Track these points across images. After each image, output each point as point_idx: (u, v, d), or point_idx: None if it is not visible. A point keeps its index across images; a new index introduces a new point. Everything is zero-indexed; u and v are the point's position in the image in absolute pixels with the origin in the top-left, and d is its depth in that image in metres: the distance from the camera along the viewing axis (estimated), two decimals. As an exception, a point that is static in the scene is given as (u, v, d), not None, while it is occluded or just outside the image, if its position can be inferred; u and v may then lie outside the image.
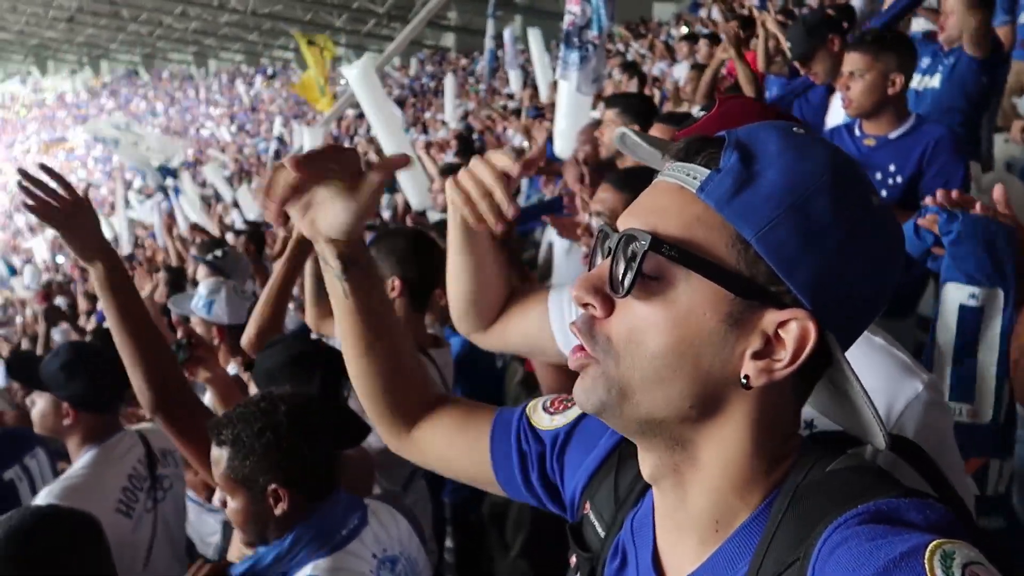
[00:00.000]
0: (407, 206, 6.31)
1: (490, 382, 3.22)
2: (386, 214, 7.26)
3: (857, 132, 2.62)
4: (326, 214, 0.93)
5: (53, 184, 1.76)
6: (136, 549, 2.23)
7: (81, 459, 2.27)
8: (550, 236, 3.80)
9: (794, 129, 0.71)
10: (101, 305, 1.81)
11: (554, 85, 8.76)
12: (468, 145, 8.27)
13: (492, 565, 3.14)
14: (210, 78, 37.17)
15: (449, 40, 28.21)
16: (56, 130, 38.94)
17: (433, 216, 5.65)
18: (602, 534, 0.86)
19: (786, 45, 4.05)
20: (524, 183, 7.36)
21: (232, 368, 2.89)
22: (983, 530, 0.68)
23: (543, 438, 0.98)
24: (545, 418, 0.99)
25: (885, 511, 0.62)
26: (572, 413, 0.98)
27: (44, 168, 1.83)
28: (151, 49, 38.21)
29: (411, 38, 11.31)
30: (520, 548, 3.05)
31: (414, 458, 1.12)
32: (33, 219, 1.83)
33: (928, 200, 1.77)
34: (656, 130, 2.57)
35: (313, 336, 2.66)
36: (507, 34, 13.79)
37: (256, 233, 6.49)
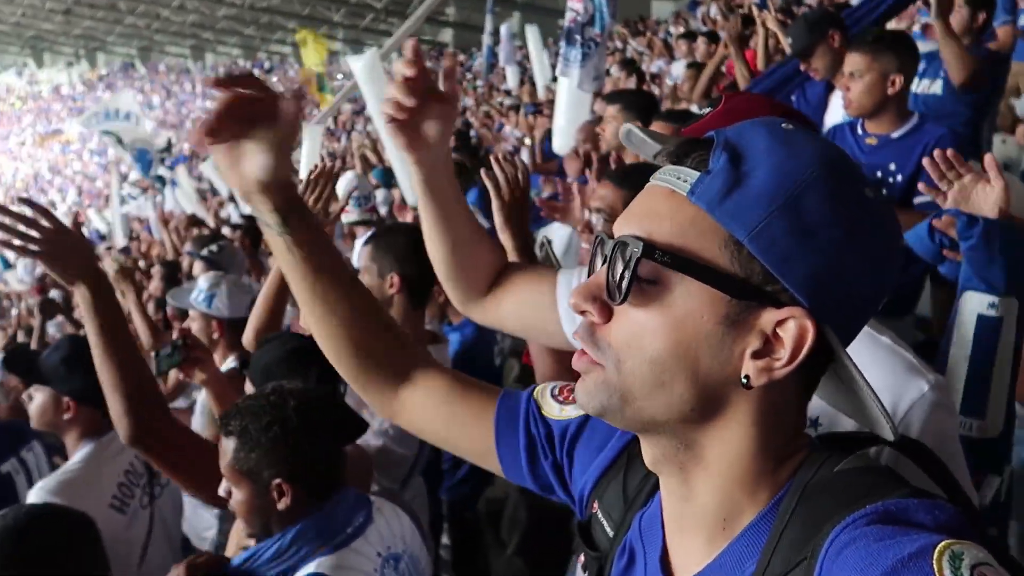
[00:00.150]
0: (403, 201, 6.30)
1: (487, 379, 3.19)
2: (383, 209, 7.25)
3: (859, 131, 2.62)
4: (252, 162, 0.94)
5: (30, 214, 1.72)
6: (131, 545, 2.21)
7: (78, 454, 2.26)
8: (547, 233, 3.79)
9: (783, 125, 0.70)
10: (87, 329, 1.76)
11: (552, 82, 8.75)
12: (466, 141, 8.25)
13: (488, 562, 3.13)
14: (207, 72, 37.09)
15: (447, 36, 28.17)
16: (52, 122, 38.82)
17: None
18: (611, 533, 0.86)
19: (786, 43, 4.05)
20: (522, 180, 7.35)
21: (231, 361, 2.89)
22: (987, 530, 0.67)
23: (552, 426, 0.97)
24: (555, 407, 0.98)
25: (893, 511, 0.62)
26: None
27: (23, 200, 1.82)
28: (148, 42, 38.13)
29: (409, 34, 11.28)
30: (516, 545, 3.05)
31: (406, 423, 1.08)
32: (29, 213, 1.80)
33: (924, 161, 1.74)
34: (656, 127, 2.56)
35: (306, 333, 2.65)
36: (504, 30, 13.77)
37: (252, 227, 6.47)
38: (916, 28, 4.83)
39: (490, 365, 3.24)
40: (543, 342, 1.45)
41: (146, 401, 1.79)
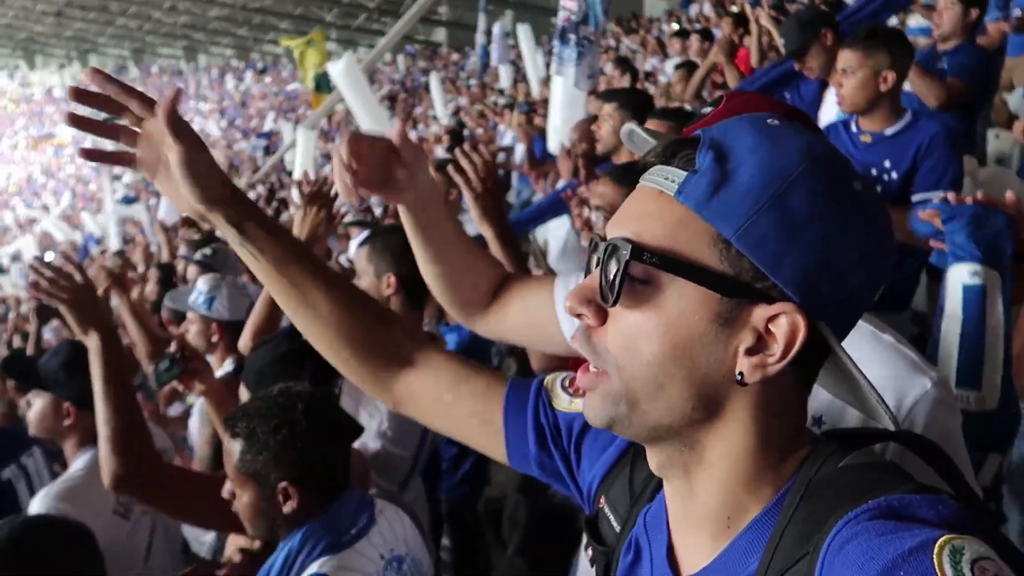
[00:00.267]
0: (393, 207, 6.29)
1: (486, 379, 3.21)
2: (377, 211, 7.23)
3: (854, 128, 2.63)
4: (176, 191, 0.96)
5: (68, 268, 1.90)
6: (135, 550, 2.21)
7: (79, 460, 2.25)
8: (544, 235, 3.79)
9: (768, 121, 0.70)
10: (92, 375, 1.87)
11: (545, 81, 8.74)
12: (459, 140, 8.25)
13: (489, 563, 3.13)
14: (200, 73, 36.98)
15: (440, 35, 28.15)
16: (44, 125, 38.64)
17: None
18: (617, 528, 0.87)
19: (779, 41, 4.06)
20: (515, 180, 7.35)
21: (229, 364, 2.88)
22: (997, 526, 0.68)
23: (561, 418, 0.97)
24: (564, 398, 0.98)
25: (896, 507, 0.62)
26: None
27: (64, 255, 1.94)
28: (140, 44, 38.01)
29: (402, 33, 11.26)
30: (517, 546, 3.05)
31: (411, 410, 1.05)
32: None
33: (937, 199, 1.78)
34: (651, 125, 2.57)
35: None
36: (497, 29, 13.75)
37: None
38: (911, 24, 4.84)
39: (487, 365, 3.25)
40: (548, 350, 1.46)
41: (140, 454, 1.85)
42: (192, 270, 4.23)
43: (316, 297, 1.02)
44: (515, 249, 1.93)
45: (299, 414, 1.54)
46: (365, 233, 3.22)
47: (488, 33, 13.79)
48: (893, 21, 4.99)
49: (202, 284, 3.03)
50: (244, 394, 2.04)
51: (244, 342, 2.62)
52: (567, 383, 0.99)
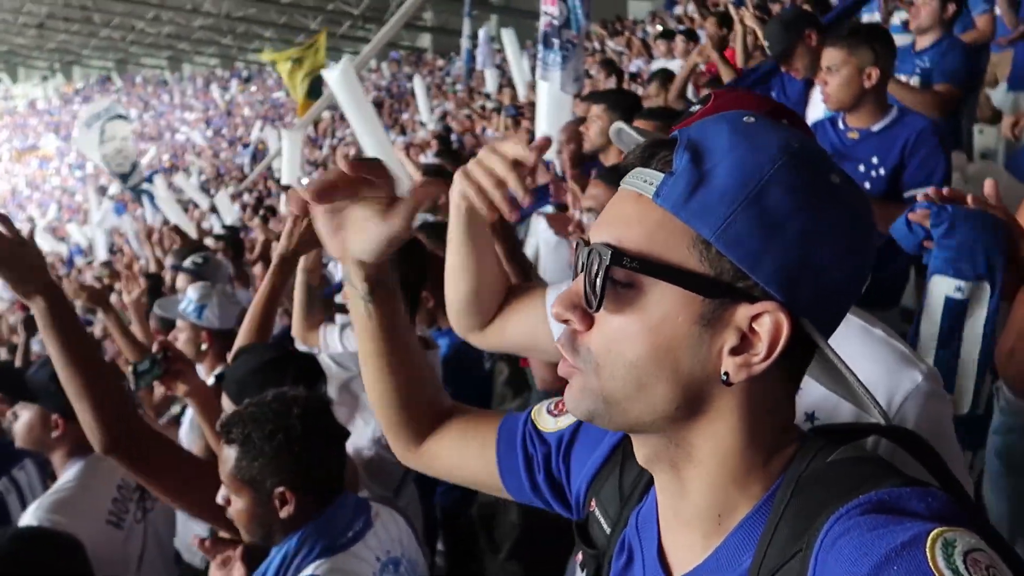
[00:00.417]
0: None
1: (477, 383, 3.21)
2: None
3: (840, 125, 2.64)
4: (358, 236, 0.91)
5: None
6: (127, 560, 2.20)
7: (68, 472, 2.23)
8: (536, 232, 3.79)
9: (745, 119, 0.70)
10: (44, 343, 1.69)
11: (532, 84, 8.74)
12: (447, 145, 8.25)
13: (483, 567, 3.12)
14: (184, 83, 36.87)
15: (425, 41, 28.17)
16: (28, 137, 38.43)
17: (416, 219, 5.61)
18: (608, 531, 0.87)
19: (764, 42, 4.08)
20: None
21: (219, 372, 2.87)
22: (985, 518, 0.68)
23: (548, 440, 0.98)
24: (550, 421, 0.99)
25: (887, 501, 0.62)
26: None
27: None
28: (124, 54, 37.85)
29: (387, 39, 11.26)
30: (510, 550, 3.04)
31: (422, 468, 1.12)
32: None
33: (920, 196, 1.78)
34: (639, 125, 2.57)
35: (301, 348, 2.64)
36: (482, 34, 13.77)
37: (234, 238, 6.44)
38: (895, 21, 4.87)
39: (480, 369, 3.24)
40: (544, 358, 1.46)
41: (116, 409, 1.73)
42: (182, 279, 4.20)
43: (397, 367, 1.05)
44: (522, 266, 1.92)
45: (294, 419, 1.53)
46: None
47: (473, 38, 13.81)
48: (877, 18, 5.02)
49: (192, 292, 3.01)
50: (226, 403, 2.02)
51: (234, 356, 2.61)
52: (553, 407, 1.01)
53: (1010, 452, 1.94)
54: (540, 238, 3.59)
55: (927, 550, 0.56)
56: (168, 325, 3.31)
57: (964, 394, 1.71)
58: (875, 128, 2.56)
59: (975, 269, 1.65)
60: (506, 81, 13.22)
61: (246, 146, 21.15)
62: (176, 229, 6.59)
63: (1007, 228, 1.65)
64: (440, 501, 3.06)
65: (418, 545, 1.74)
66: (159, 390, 3.35)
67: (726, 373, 0.67)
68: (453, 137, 10.13)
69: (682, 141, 0.69)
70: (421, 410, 1.09)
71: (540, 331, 1.36)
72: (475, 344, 1.45)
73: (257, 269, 5.54)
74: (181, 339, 2.98)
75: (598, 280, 0.68)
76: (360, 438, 2.16)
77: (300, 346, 2.71)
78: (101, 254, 13.16)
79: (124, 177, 11.82)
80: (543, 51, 4.52)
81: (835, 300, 0.69)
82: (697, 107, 1.31)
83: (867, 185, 2.53)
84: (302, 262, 2.65)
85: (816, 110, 3.37)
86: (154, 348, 2.20)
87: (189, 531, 2.68)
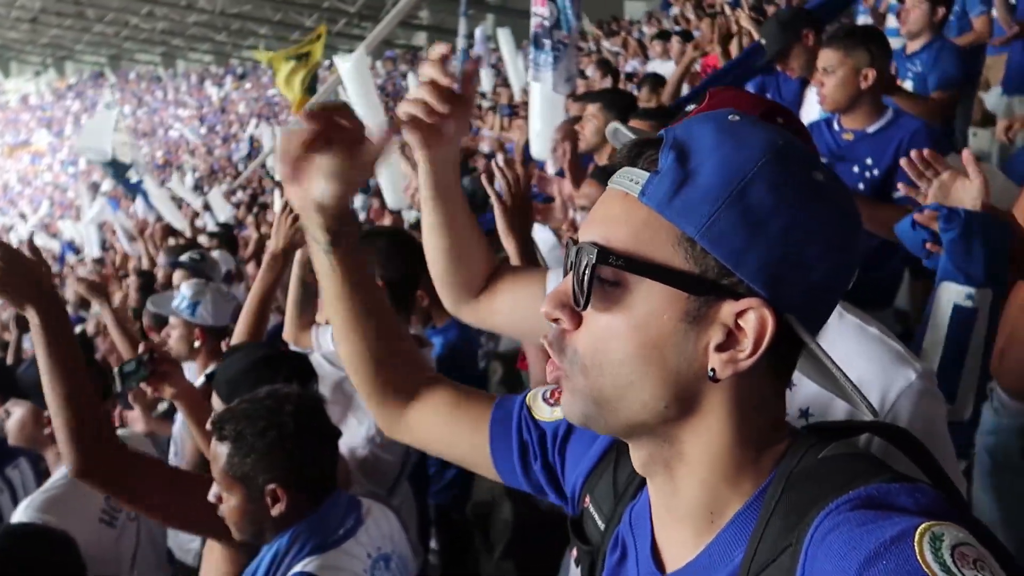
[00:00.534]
0: (381, 206, 6.27)
1: (471, 383, 3.19)
2: (361, 215, 7.21)
3: (836, 127, 2.65)
4: (319, 181, 0.94)
5: None
6: (120, 559, 2.19)
7: (61, 469, 2.22)
8: (533, 232, 3.79)
9: (730, 117, 0.70)
10: (37, 356, 1.67)
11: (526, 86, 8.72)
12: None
13: (477, 567, 3.12)
14: (178, 79, 36.74)
15: (421, 39, 28.12)
16: (20, 133, 38.26)
17: (410, 216, 5.62)
18: (602, 527, 0.87)
19: (761, 41, 4.08)
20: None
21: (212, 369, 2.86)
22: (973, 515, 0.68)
23: (544, 428, 0.99)
24: (545, 409, 1.00)
25: (876, 496, 0.63)
26: None
27: None
28: (117, 50, 37.68)
29: (382, 37, 11.24)
30: (504, 549, 3.04)
31: (407, 438, 1.12)
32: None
33: (903, 162, 1.76)
34: (635, 125, 2.57)
35: (293, 348, 2.63)
36: (479, 33, 13.76)
37: (228, 236, 6.43)
38: (890, 24, 4.88)
39: (474, 368, 3.24)
40: (537, 343, 1.45)
41: (93, 432, 1.69)
42: (178, 274, 4.19)
43: (365, 321, 1.06)
44: (527, 247, 1.92)
45: (287, 416, 1.53)
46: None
47: (469, 37, 13.79)
48: (870, 20, 5.04)
49: (186, 289, 3.01)
50: (216, 403, 2.01)
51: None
52: (548, 395, 1.01)
53: (1002, 452, 1.95)
54: (537, 237, 3.59)
55: (915, 544, 0.56)
56: (161, 323, 3.30)
57: (965, 402, 1.71)
58: (870, 129, 2.57)
59: (986, 274, 1.63)
60: (501, 81, 13.21)
61: (240, 142, 21.09)
62: (167, 227, 6.57)
63: (1012, 231, 1.64)
64: (434, 500, 3.06)
65: (408, 542, 1.74)
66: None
67: (712, 369, 0.68)
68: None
69: (668, 140, 0.69)
70: (397, 372, 1.09)
71: (539, 314, 1.36)
72: (468, 320, 1.44)
73: (251, 267, 5.54)
74: (174, 336, 2.97)
75: (585, 278, 0.69)
76: (354, 437, 2.16)
77: (293, 347, 2.70)
78: (94, 250, 13.10)
79: (122, 169, 11.74)
80: (534, 52, 4.52)
81: (820, 296, 0.70)
82: (693, 107, 1.32)
83: (861, 186, 2.54)
84: (299, 255, 2.65)
85: (811, 111, 3.38)
86: (140, 349, 2.19)
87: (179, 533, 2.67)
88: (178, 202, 12.47)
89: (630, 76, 8.42)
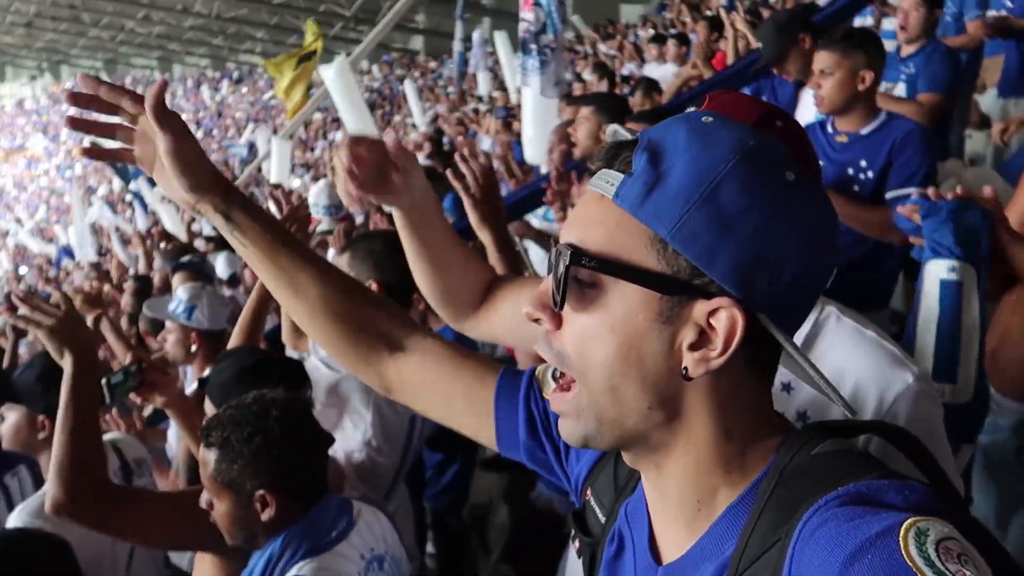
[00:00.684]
0: (378, 209, 6.27)
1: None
2: (359, 219, 7.20)
3: (830, 129, 2.66)
4: (169, 182, 0.98)
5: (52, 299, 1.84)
6: (116, 561, 2.19)
7: (56, 472, 2.21)
8: (524, 243, 3.79)
9: (703, 119, 0.71)
10: (60, 397, 1.80)
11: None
12: (440, 147, 8.24)
13: (474, 569, 3.12)
14: (175, 83, 36.71)
15: (417, 43, 28.14)
16: (16, 137, 38.20)
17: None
18: (602, 520, 0.89)
19: (757, 44, 4.09)
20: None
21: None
22: (970, 513, 0.68)
23: (550, 407, 0.98)
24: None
25: (865, 492, 0.63)
26: None
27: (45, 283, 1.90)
28: (113, 54, 37.66)
29: (378, 41, 11.25)
30: (501, 552, 3.03)
31: (400, 393, 1.06)
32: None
33: (915, 194, 1.80)
34: (631, 127, 2.57)
35: (292, 354, 2.63)
36: (476, 36, 13.78)
37: (224, 239, 6.41)
38: (886, 27, 4.90)
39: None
40: (530, 350, 1.45)
41: (87, 478, 1.77)
42: (178, 276, 4.19)
43: (304, 280, 1.04)
44: (512, 256, 1.93)
45: (273, 421, 1.53)
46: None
47: (465, 40, 13.81)
48: (868, 22, 5.05)
49: (182, 293, 3.00)
50: (209, 408, 2.01)
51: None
52: (559, 374, 0.99)
53: (999, 451, 1.97)
54: (531, 249, 3.59)
55: (900, 539, 0.57)
56: (158, 328, 3.29)
57: (967, 382, 1.74)
58: (864, 132, 2.58)
59: (965, 250, 1.69)
60: (498, 84, 13.22)
61: (238, 146, 21.06)
62: (162, 231, 6.57)
63: (991, 216, 1.69)
64: (431, 503, 3.05)
65: (401, 543, 1.74)
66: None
67: (685, 368, 0.69)
68: (445, 140, 10.12)
69: (642, 142, 0.70)
70: (366, 322, 1.05)
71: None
72: (469, 334, 1.44)
73: (248, 271, 5.53)
74: (171, 340, 2.96)
75: (561, 279, 0.70)
76: (350, 441, 2.16)
77: (291, 352, 2.70)
78: (89, 254, 13.07)
79: (126, 173, 11.75)
80: (523, 57, 4.54)
81: (793, 295, 0.70)
82: (692, 111, 1.32)
83: (855, 188, 2.55)
84: None
85: (806, 113, 3.39)
86: (127, 360, 2.19)
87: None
88: (174, 205, 12.45)
89: (626, 79, 8.44)
